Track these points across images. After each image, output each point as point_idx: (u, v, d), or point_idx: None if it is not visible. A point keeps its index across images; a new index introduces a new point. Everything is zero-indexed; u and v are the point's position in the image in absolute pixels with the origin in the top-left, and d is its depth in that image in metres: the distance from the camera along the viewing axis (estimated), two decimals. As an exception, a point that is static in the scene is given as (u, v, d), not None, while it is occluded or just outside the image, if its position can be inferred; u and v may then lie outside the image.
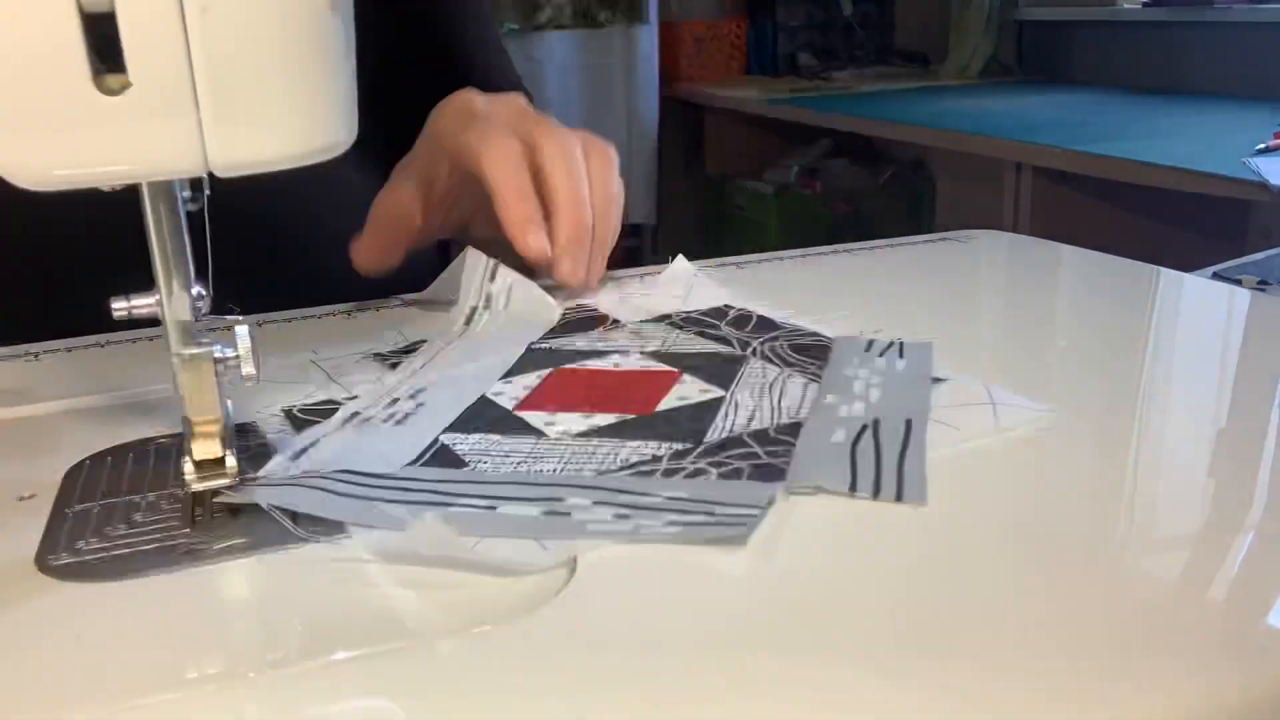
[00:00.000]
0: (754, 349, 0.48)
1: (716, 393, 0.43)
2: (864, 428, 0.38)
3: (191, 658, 0.27)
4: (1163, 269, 0.59)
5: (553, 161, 0.55)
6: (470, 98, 0.61)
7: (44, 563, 0.32)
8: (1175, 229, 1.79)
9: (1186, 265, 0.63)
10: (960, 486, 0.35)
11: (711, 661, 0.26)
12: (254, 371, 0.34)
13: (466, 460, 0.38)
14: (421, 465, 0.38)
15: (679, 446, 0.38)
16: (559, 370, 0.46)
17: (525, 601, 0.29)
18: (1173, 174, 1.48)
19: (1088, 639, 0.26)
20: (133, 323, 0.35)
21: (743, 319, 0.53)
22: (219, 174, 0.31)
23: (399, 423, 0.41)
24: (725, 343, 0.49)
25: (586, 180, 0.56)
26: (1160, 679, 0.25)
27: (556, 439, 0.39)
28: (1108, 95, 2.35)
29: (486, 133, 0.57)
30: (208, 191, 0.35)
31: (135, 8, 0.28)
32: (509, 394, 0.44)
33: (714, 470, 0.36)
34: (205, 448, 0.34)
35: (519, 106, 0.61)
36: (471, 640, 0.28)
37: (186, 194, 0.34)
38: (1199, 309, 0.55)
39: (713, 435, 0.39)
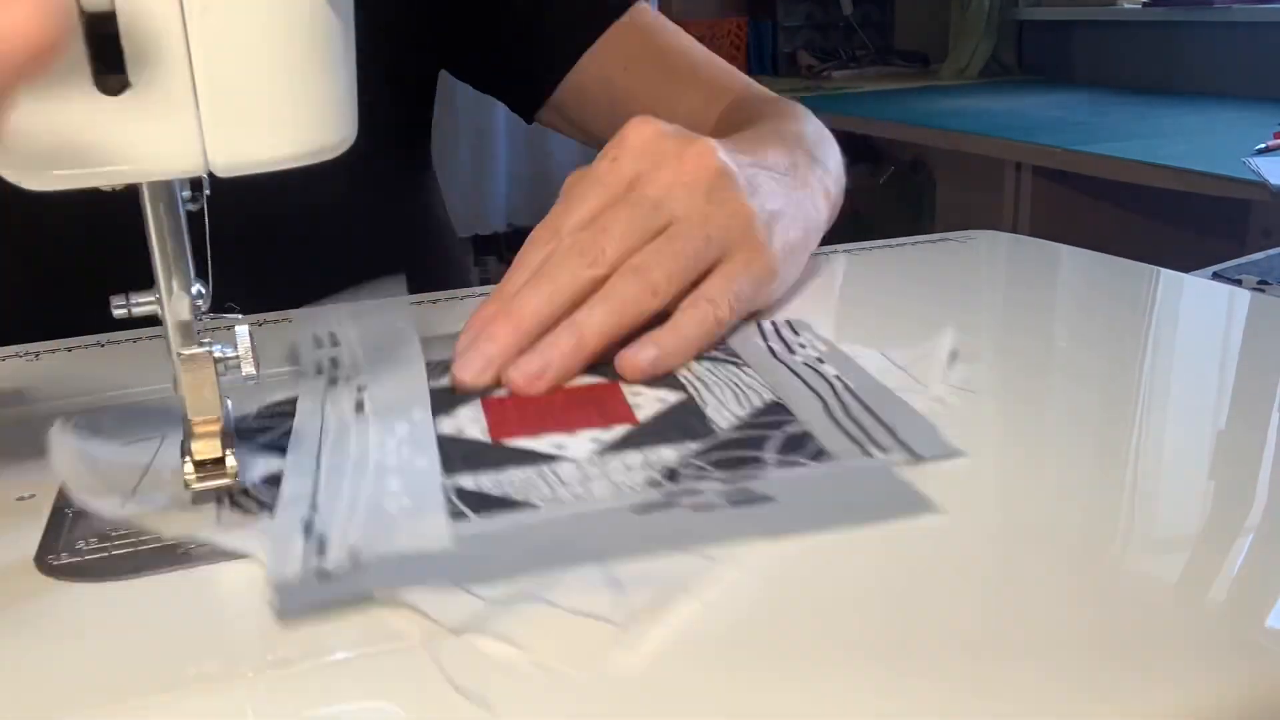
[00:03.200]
0: None
1: (677, 394, 0.42)
2: (840, 397, 0.41)
3: (191, 658, 0.27)
4: (1163, 269, 0.59)
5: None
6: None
7: (44, 563, 0.32)
8: (1175, 229, 1.79)
9: (1186, 265, 0.63)
10: (958, 486, 0.35)
11: (711, 661, 0.26)
12: (254, 371, 0.34)
13: (513, 498, 0.34)
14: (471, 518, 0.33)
15: (700, 445, 0.38)
16: (486, 401, 0.42)
17: (525, 602, 0.29)
18: (1173, 174, 1.48)
19: (1086, 640, 0.26)
20: (132, 322, 0.35)
21: None
22: (219, 174, 0.31)
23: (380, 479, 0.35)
24: None
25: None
26: (1159, 680, 0.25)
27: (588, 458, 0.37)
28: (1108, 95, 2.35)
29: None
30: (207, 191, 0.35)
31: (135, 8, 0.28)
32: (464, 430, 0.39)
33: (760, 453, 0.37)
34: (205, 447, 0.34)
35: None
36: (470, 640, 0.28)
37: (186, 194, 0.34)
38: (1199, 309, 0.55)
39: (724, 425, 0.39)
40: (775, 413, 0.40)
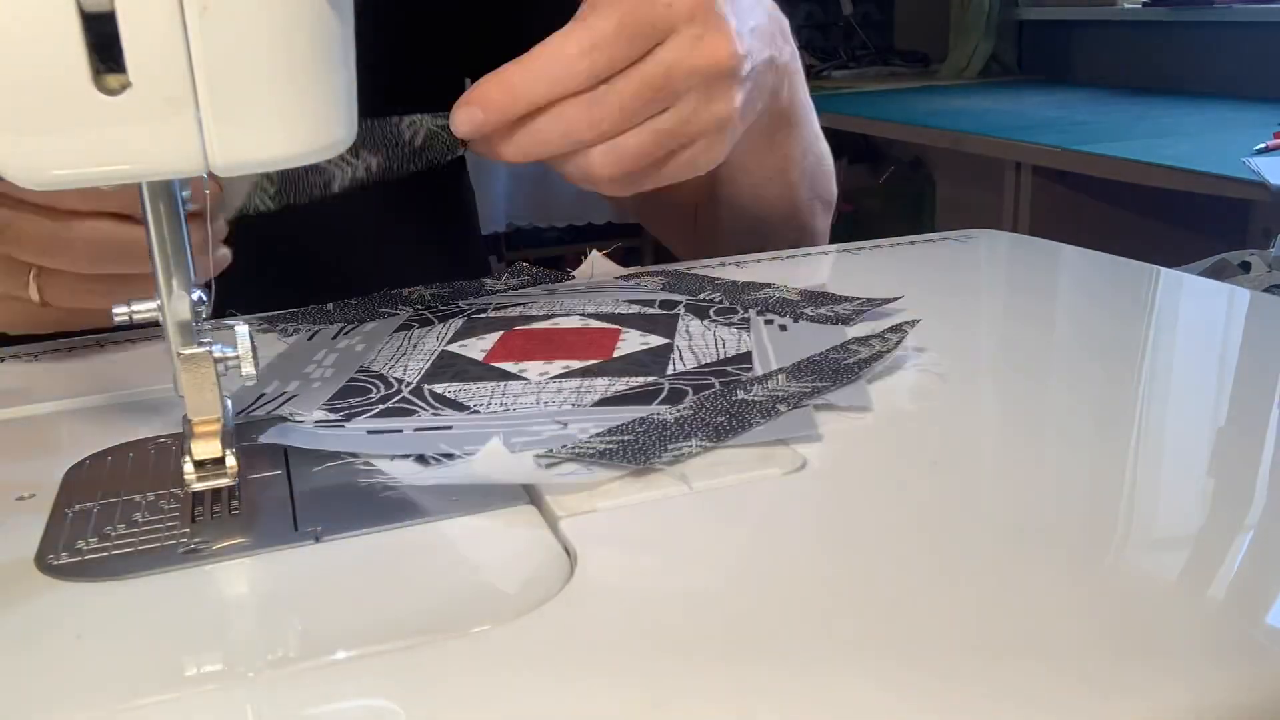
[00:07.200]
0: (681, 307, 0.53)
1: (661, 341, 0.48)
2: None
3: (191, 658, 0.27)
4: (1163, 269, 0.59)
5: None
6: None
7: (44, 563, 0.32)
8: (1175, 229, 1.79)
9: (1186, 265, 0.63)
10: (957, 484, 0.35)
11: (712, 660, 0.26)
12: (253, 371, 0.34)
13: (463, 402, 0.42)
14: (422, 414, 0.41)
15: (646, 380, 0.43)
16: (510, 330, 0.50)
17: (525, 601, 0.29)
18: (1173, 174, 1.48)
19: (1085, 639, 0.26)
20: (132, 327, 0.35)
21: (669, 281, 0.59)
22: (219, 174, 0.31)
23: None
24: (651, 305, 0.54)
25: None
26: (1158, 679, 0.25)
27: (538, 380, 0.43)
28: (1108, 95, 2.35)
29: None
30: (207, 191, 0.35)
31: (135, 8, 0.28)
32: (473, 349, 0.48)
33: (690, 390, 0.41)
34: (205, 448, 0.34)
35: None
36: (471, 640, 0.28)
37: (186, 194, 0.34)
38: (1199, 309, 0.55)
39: (671, 369, 0.44)
40: (739, 361, 0.45)
